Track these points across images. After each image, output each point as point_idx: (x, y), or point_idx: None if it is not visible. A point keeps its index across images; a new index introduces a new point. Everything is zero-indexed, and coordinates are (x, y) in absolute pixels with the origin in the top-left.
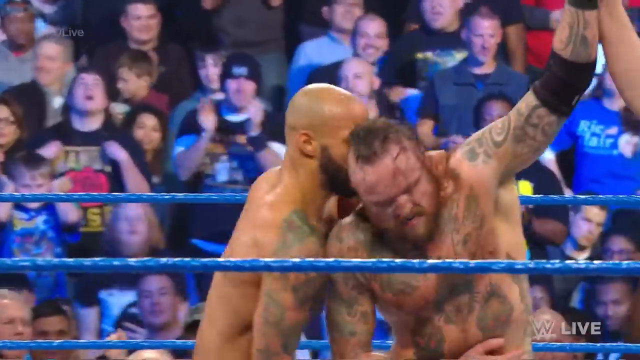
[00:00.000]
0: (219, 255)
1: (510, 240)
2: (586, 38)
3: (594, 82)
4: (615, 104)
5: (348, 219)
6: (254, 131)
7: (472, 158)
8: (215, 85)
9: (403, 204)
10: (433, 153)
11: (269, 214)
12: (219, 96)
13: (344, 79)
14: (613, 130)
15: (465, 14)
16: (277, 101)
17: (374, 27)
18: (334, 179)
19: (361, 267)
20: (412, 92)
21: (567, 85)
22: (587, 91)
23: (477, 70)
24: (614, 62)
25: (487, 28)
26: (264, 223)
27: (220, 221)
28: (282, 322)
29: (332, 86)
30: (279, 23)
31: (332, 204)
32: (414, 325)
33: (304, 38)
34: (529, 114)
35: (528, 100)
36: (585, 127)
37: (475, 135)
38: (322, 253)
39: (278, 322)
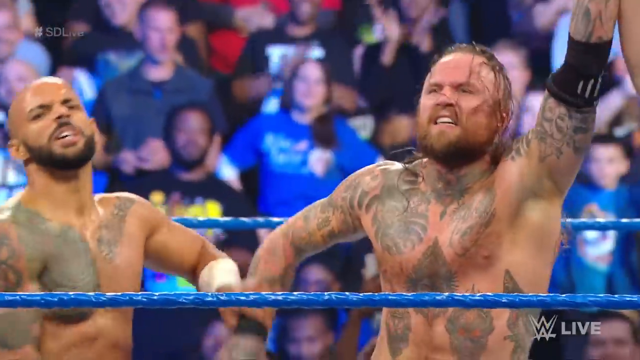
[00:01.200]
0: None
1: (526, 263)
2: (589, 12)
3: (280, 90)
4: (305, 117)
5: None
6: None
7: (507, 153)
8: None
9: (448, 95)
10: None
11: None
12: None
13: (4, 83)
14: (302, 145)
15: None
16: None
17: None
18: (47, 161)
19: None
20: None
21: (567, 67)
22: (274, 101)
23: (154, 76)
24: (629, 41)
25: (164, 21)
26: None
27: None
28: None
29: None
30: None
31: None
32: (389, 311)
33: None
34: (544, 107)
35: (545, 92)
36: (271, 143)
37: (522, 135)
38: (18, 235)
39: None
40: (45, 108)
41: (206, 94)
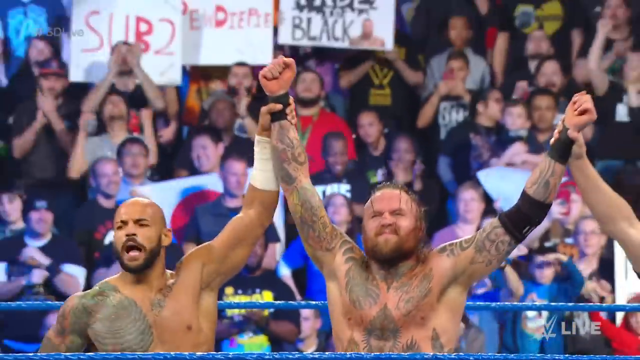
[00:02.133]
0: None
1: (445, 324)
2: (549, 182)
3: None
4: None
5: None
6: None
7: (441, 251)
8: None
9: (388, 217)
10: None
11: None
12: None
13: None
14: None
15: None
16: (67, 227)
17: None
18: (121, 265)
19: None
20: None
21: (522, 215)
22: None
23: (231, 205)
24: (592, 205)
25: (238, 168)
26: None
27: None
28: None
29: None
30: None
31: None
32: (347, 348)
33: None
34: (490, 231)
35: (493, 221)
36: None
37: (452, 241)
38: (73, 306)
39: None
40: (123, 223)
41: None
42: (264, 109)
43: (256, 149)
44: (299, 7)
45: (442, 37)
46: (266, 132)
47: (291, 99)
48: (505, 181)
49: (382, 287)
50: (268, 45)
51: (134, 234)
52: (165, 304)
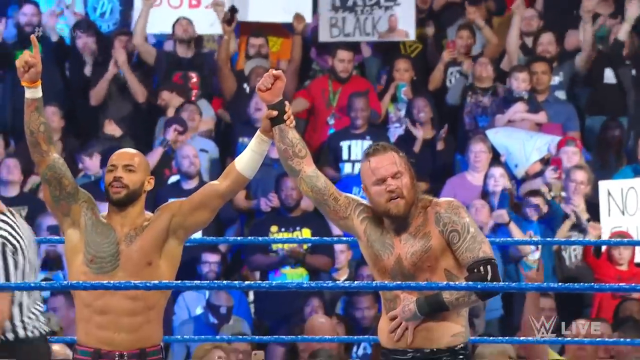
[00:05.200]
0: None
1: (454, 262)
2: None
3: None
4: None
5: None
6: None
7: (437, 222)
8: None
9: (392, 183)
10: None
11: None
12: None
13: (185, 158)
14: None
15: None
16: None
17: None
18: (107, 198)
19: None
20: None
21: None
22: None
23: (274, 155)
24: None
25: None
26: None
27: None
28: None
29: None
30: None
31: None
32: (383, 292)
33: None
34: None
35: (475, 254)
36: (356, 193)
37: (451, 216)
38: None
39: None
40: (114, 167)
41: None
42: (263, 115)
43: (252, 141)
44: (334, 9)
45: (458, 11)
46: (267, 133)
47: (287, 106)
48: (510, 139)
49: (396, 239)
50: (307, 4)
51: (121, 177)
52: (135, 240)
